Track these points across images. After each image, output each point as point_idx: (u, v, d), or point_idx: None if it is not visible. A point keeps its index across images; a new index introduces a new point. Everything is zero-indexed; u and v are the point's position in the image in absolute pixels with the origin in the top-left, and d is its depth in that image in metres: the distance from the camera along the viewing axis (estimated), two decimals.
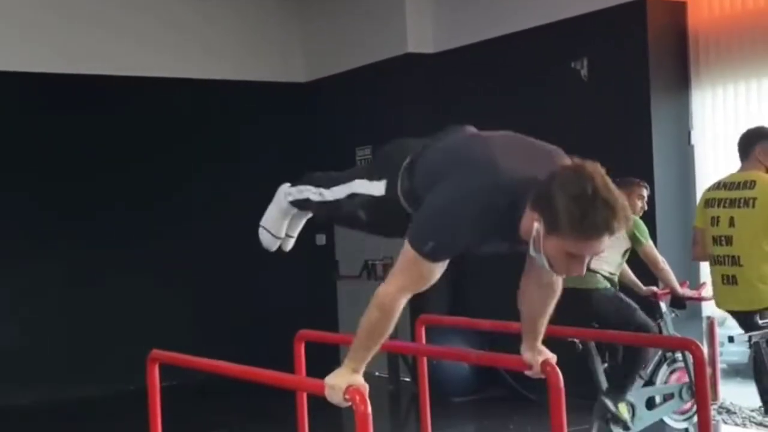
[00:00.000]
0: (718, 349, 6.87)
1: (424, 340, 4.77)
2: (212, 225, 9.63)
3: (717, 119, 7.22)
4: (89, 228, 9.12)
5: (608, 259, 6.21)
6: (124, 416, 6.93)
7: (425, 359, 4.70)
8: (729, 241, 5.44)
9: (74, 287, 9.02)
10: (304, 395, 4.37)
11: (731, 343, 5.93)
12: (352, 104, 9.70)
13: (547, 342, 3.35)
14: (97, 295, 9.09)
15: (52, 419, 8.30)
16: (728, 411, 6.92)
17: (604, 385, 5.97)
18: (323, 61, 10.07)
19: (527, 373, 3.34)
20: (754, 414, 6.82)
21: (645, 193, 6.50)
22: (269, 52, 10.14)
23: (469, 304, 8.51)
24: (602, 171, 2.60)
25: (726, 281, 5.47)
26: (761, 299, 5.33)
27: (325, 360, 4.17)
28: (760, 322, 5.31)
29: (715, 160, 7.11)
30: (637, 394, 6.06)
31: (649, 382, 6.27)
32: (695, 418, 5.37)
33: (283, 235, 3.90)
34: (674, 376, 6.40)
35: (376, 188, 3.18)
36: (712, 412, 6.01)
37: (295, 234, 3.95)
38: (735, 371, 8.08)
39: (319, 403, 3.12)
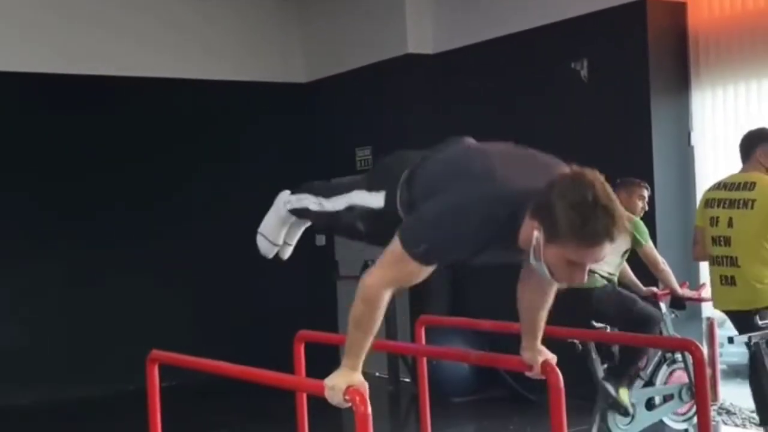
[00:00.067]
0: (718, 350, 6.88)
1: (423, 341, 4.77)
2: (212, 225, 9.63)
3: (717, 120, 7.22)
4: (89, 228, 9.12)
5: (607, 260, 6.20)
6: (124, 416, 6.93)
7: (425, 360, 4.70)
8: (727, 241, 5.45)
9: (74, 287, 9.03)
10: (304, 396, 4.37)
11: (731, 343, 5.92)
12: (352, 105, 9.70)
13: (547, 343, 3.35)
14: (97, 295, 9.09)
15: (52, 419, 8.30)
16: (728, 412, 6.92)
17: (601, 396, 5.96)
18: (323, 61, 10.08)
19: (527, 373, 3.34)
20: (753, 415, 6.81)
21: (646, 193, 6.50)
22: (269, 53, 10.15)
23: (469, 304, 8.52)
24: (601, 178, 2.60)
25: (724, 282, 5.48)
26: (760, 299, 5.34)
27: (325, 360, 4.17)
28: (759, 322, 5.32)
29: (715, 160, 7.11)
30: (636, 394, 6.06)
31: (649, 382, 6.27)
32: (695, 419, 5.37)
33: (281, 242, 3.90)
34: (674, 377, 6.40)
35: (375, 200, 3.17)
36: (712, 413, 6.01)
37: (293, 242, 3.95)
38: (735, 372, 8.07)
39: (319, 403, 3.12)
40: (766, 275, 5.35)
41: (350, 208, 3.29)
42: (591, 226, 2.51)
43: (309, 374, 3.72)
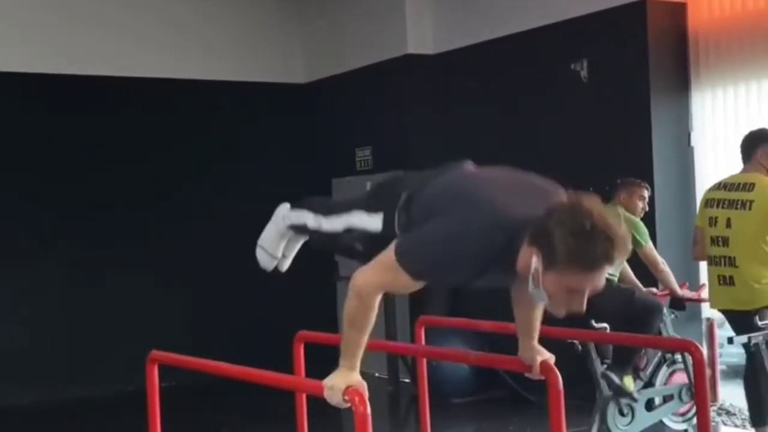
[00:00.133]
0: (718, 351, 6.88)
1: (423, 341, 4.78)
2: (212, 225, 9.63)
3: (717, 121, 7.22)
4: (89, 228, 9.12)
5: None
6: (124, 416, 6.94)
7: (425, 360, 4.71)
8: (725, 242, 5.46)
9: (74, 287, 9.03)
10: (304, 396, 4.37)
11: (731, 344, 5.93)
12: (352, 105, 9.70)
13: (546, 343, 3.36)
14: (97, 295, 9.09)
15: (52, 419, 8.30)
16: (727, 412, 6.92)
17: (604, 386, 5.97)
18: (323, 61, 10.08)
19: (526, 374, 3.35)
20: None
21: (646, 194, 6.51)
22: (269, 53, 10.15)
23: (469, 305, 8.51)
24: (598, 205, 2.61)
25: (722, 282, 5.48)
26: (758, 299, 5.35)
27: (325, 361, 4.17)
28: (759, 323, 5.32)
29: (715, 161, 7.11)
30: (636, 395, 6.05)
31: (649, 383, 6.27)
32: (694, 420, 5.38)
33: (279, 255, 3.91)
34: (674, 378, 6.40)
35: (373, 222, 3.19)
36: (712, 414, 6.02)
37: (292, 254, 3.95)
38: (734, 373, 8.06)
39: (318, 403, 3.12)
40: (764, 275, 5.36)
41: (348, 230, 3.30)
42: (589, 251, 2.53)
43: (308, 374, 3.72)
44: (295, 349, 4.48)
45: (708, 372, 4.20)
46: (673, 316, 6.47)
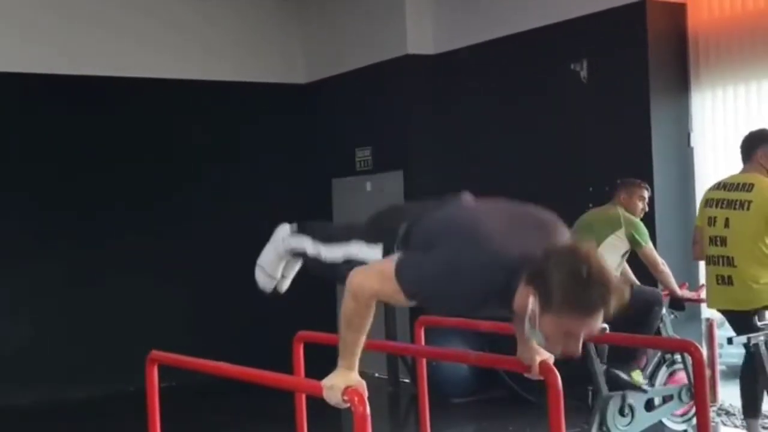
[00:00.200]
0: (717, 351, 6.88)
1: (423, 342, 4.78)
2: (212, 225, 9.64)
3: (717, 121, 7.22)
4: (89, 228, 9.12)
5: (608, 261, 6.20)
6: (124, 417, 6.94)
7: (424, 360, 4.71)
8: (724, 242, 5.47)
9: (74, 287, 9.03)
10: (303, 396, 4.37)
11: (730, 344, 5.94)
12: (352, 105, 9.70)
13: None
14: (97, 295, 9.10)
15: (52, 419, 8.30)
16: (727, 413, 6.92)
17: (603, 386, 5.97)
18: (323, 62, 10.08)
19: (526, 374, 3.35)
20: None
21: (646, 194, 6.50)
22: (269, 53, 10.15)
23: None
24: (596, 252, 2.65)
25: (720, 281, 5.49)
26: (757, 299, 5.36)
27: (325, 361, 4.18)
28: (759, 323, 5.33)
29: (715, 162, 7.11)
30: (636, 395, 6.06)
31: (649, 383, 6.27)
32: (694, 420, 5.38)
33: (278, 276, 3.90)
34: (673, 378, 6.40)
35: (373, 254, 3.19)
36: (711, 414, 6.02)
37: (291, 275, 3.94)
38: (734, 373, 8.06)
39: (318, 404, 3.12)
40: (762, 275, 5.37)
41: (348, 261, 3.29)
42: (586, 297, 2.56)
43: (308, 374, 3.72)
44: (295, 349, 4.48)
45: (708, 372, 4.20)
46: (672, 316, 6.47)
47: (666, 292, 6.43)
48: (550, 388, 3.23)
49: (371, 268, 2.91)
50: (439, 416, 5.45)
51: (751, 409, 5.57)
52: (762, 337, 5.26)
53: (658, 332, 6.27)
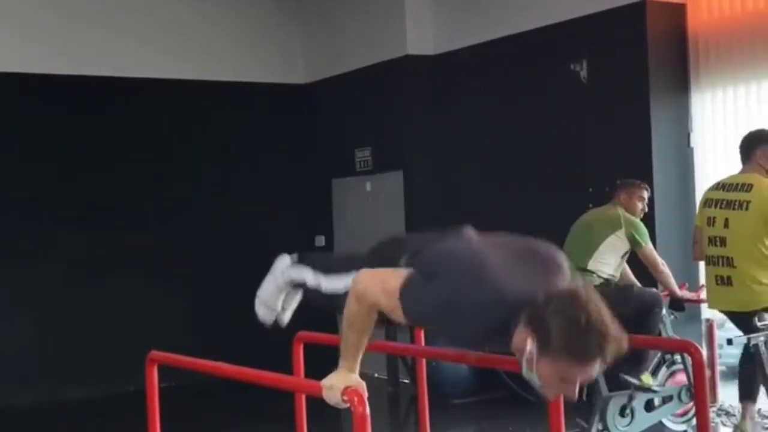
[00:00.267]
0: (717, 352, 6.89)
1: (423, 342, 4.78)
2: (212, 225, 9.64)
3: (716, 122, 7.22)
4: (89, 228, 9.12)
5: (608, 261, 6.22)
6: (124, 417, 6.95)
7: (424, 361, 4.70)
8: (723, 242, 5.47)
9: (74, 287, 9.03)
10: (303, 397, 4.37)
11: (730, 345, 5.94)
12: (352, 105, 9.70)
13: None
14: (97, 295, 9.10)
15: (52, 419, 8.30)
16: (727, 413, 6.91)
17: (603, 386, 5.97)
18: (323, 62, 10.08)
19: None
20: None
21: (646, 194, 6.50)
22: (269, 54, 10.15)
23: None
24: (596, 298, 2.62)
25: (720, 282, 5.49)
26: (757, 300, 5.36)
27: (325, 361, 4.18)
28: (758, 324, 5.33)
29: (715, 162, 7.11)
30: (639, 395, 6.06)
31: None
32: (694, 421, 5.37)
33: (279, 308, 3.88)
34: (673, 379, 6.40)
35: None
36: (711, 415, 6.02)
37: (292, 307, 3.90)
38: (734, 373, 8.07)
39: (318, 404, 3.12)
40: (762, 276, 5.36)
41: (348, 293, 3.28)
42: (584, 345, 2.56)
43: (308, 375, 3.72)
44: (295, 349, 4.48)
45: (707, 373, 4.20)
46: (672, 316, 6.47)
47: (666, 293, 6.43)
48: None
49: (378, 276, 2.88)
50: (439, 417, 5.45)
51: (747, 392, 5.56)
52: (762, 338, 5.27)
53: (658, 333, 6.27)
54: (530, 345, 2.61)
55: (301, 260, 3.71)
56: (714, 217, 5.53)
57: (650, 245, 6.34)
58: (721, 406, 6.93)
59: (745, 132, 5.83)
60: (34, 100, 9.02)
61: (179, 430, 4.74)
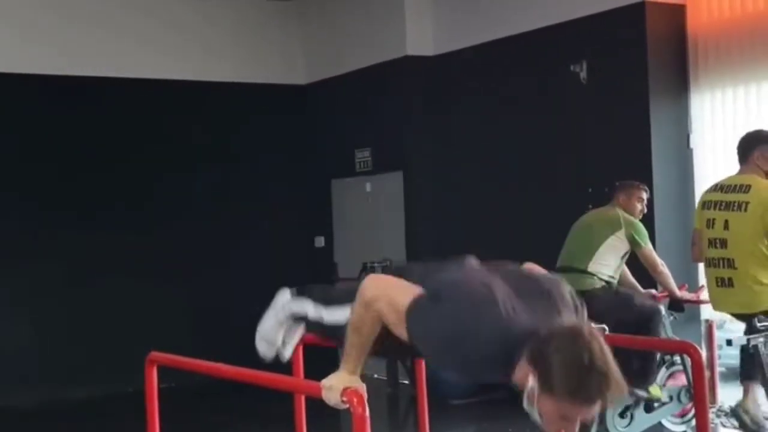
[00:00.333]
0: (717, 352, 6.88)
1: None
2: (212, 225, 9.64)
3: (716, 123, 7.22)
4: (89, 228, 9.12)
5: (608, 263, 6.22)
6: (123, 417, 6.94)
7: (424, 362, 4.70)
8: (723, 243, 5.46)
9: (74, 287, 9.03)
10: (302, 397, 4.37)
11: (729, 346, 5.93)
12: (352, 106, 9.71)
13: None
14: (97, 295, 9.10)
15: (52, 419, 8.30)
16: (726, 414, 6.92)
17: None
18: (323, 62, 10.08)
19: None
20: None
21: (645, 195, 6.50)
22: (269, 54, 10.16)
23: None
24: (599, 337, 2.60)
25: (720, 284, 5.48)
26: (758, 302, 5.35)
27: (324, 362, 4.18)
28: (758, 325, 5.33)
29: (714, 163, 7.11)
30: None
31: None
32: (693, 422, 5.38)
33: (279, 342, 3.85)
34: (673, 379, 6.40)
35: None
36: (711, 415, 6.02)
37: (293, 342, 3.84)
38: (733, 374, 8.07)
39: (317, 405, 3.12)
40: (763, 276, 5.36)
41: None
42: (585, 386, 2.54)
43: (307, 376, 3.72)
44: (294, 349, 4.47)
45: (707, 373, 4.20)
46: (672, 317, 6.47)
47: (665, 294, 6.43)
48: None
49: (386, 287, 2.88)
50: (439, 418, 5.46)
51: (747, 373, 5.53)
52: (762, 338, 5.26)
53: (663, 324, 6.26)
54: (531, 381, 2.60)
55: (302, 292, 3.68)
56: (713, 219, 5.52)
57: (650, 246, 6.34)
58: (720, 406, 6.93)
59: (744, 133, 5.82)
60: (34, 100, 9.03)
61: (178, 431, 4.74)
